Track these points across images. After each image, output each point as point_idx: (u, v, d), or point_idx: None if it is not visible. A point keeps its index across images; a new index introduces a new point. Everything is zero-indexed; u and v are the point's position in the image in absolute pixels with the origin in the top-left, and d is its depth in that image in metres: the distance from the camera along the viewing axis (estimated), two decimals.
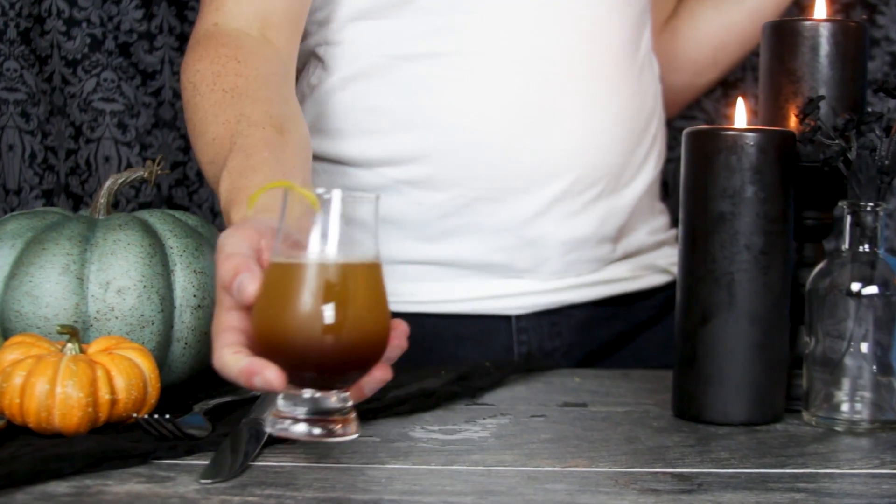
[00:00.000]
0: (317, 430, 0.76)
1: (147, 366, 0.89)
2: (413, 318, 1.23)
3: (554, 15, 1.19)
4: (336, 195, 0.77)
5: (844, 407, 0.96)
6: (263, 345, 0.77)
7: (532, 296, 1.24)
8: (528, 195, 1.20)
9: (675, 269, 1.31)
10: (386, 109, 1.20)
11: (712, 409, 0.97)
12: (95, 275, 0.95)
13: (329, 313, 0.75)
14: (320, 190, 0.77)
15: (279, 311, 0.76)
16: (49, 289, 0.94)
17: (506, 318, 1.24)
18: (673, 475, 0.82)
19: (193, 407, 0.93)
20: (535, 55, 1.19)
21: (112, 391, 0.87)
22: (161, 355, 0.97)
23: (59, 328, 0.88)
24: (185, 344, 0.98)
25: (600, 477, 0.81)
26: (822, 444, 0.92)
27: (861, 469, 0.85)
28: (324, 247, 0.76)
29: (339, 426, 0.77)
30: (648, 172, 1.27)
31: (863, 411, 0.96)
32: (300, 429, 0.77)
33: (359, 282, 0.77)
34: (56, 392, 0.84)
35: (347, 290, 0.76)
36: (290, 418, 0.77)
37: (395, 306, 1.22)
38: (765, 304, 0.97)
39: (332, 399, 0.78)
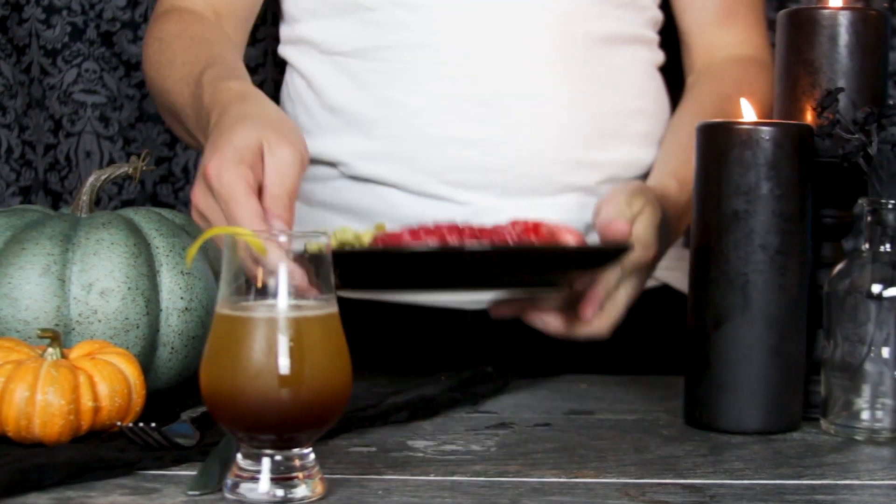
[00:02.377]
0: (279, 493, 0.76)
1: (132, 371, 0.89)
2: (365, 306, 1.26)
3: (493, 6, 1.22)
4: (283, 238, 0.76)
5: (865, 415, 0.96)
6: (216, 403, 0.76)
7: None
8: (476, 189, 1.22)
9: (658, 274, 1.32)
10: (330, 106, 1.25)
11: (725, 417, 0.98)
12: (77, 276, 0.95)
13: (285, 370, 0.74)
14: (266, 234, 0.77)
15: (231, 368, 0.75)
16: (29, 290, 0.94)
17: (461, 313, 1.27)
18: (684, 486, 0.82)
19: (180, 415, 0.93)
20: (473, 48, 1.21)
21: (95, 398, 0.87)
22: (146, 360, 0.97)
23: (39, 332, 0.88)
24: (172, 349, 0.98)
25: (608, 489, 0.81)
26: (842, 454, 0.92)
27: (882, 480, 0.85)
28: (276, 296, 0.75)
29: (303, 486, 0.77)
30: (629, 170, 1.27)
31: (884, 419, 0.96)
32: (261, 490, 0.76)
33: (315, 332, 0.76)
34: (36, 399, 0.84)
35: (303, 342, 0.75)
36: (250, 478, 0.76)
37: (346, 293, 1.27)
38: (781, 306, 0.97)
39: (295, 458, 0.77)
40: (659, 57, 1.32)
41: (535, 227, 0.97)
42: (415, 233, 0.92)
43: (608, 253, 0.95)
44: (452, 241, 0.90)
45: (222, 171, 0.90)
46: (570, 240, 0.97)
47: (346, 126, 1.24)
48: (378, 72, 1.23)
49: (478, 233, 0.92)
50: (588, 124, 1.24)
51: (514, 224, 0.98)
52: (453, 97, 1.21)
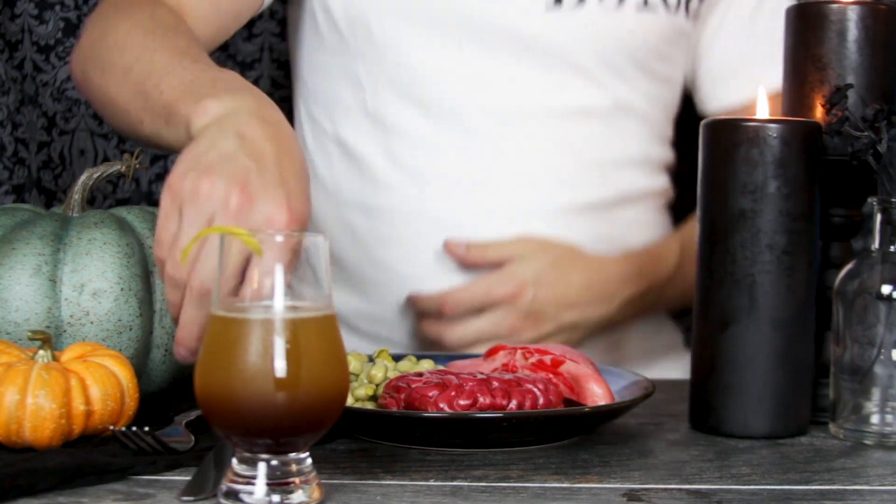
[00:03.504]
0: (275, 498, 0.75)
1: (125, 374, 0.89)
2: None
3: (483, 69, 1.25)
4: (280, 238, 0.76)
5: (874, 419, 0.96)
6: (211, 407, 0.76)
7: None
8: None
9: None
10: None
11: (732, 421, 0.97)
12: (69, 276, 0.95)
13: (281, 372, 0.74)
14: (262, 234, 0.76)
15: (226, 371, 0.74)
16: (19, 291, 0.94)
17: None
18: (690, 492, 0.82)
19: (174, 418, 0.93)
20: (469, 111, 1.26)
21: (87, 402, 0.87)
22: (140, 363, 0.97)
23: (30, 334, 0.88)
24: (166, 351, 0.98)
25: (611, 494, 0.81)
26: (851, 459, 0.92)
27: (892, 485, 0.85)
28: (271, 297, 0.75)
29: (300, 492, 0.76)
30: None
31: (894, 423, 0.96)
32: (257, 496, 0.75)
33: (312, 334, 0.75)
34: (27, 403, 0.84)
35: (300, 344, 0.74)
36: (246, 483, 0.76)
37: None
38: (788, 308, 0.97)
39: (292, 463, 0.76)
40: (667, 190, 1.36)
41: (558, 374, 0.97)
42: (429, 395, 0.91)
43: (630, 404, 0.95)
44: (484, 400, 0.91)
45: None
46: (595, 391, 0.97)
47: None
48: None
49: (504, 390, 0.91)
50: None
51: (537, 365, 0.98)
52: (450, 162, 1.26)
